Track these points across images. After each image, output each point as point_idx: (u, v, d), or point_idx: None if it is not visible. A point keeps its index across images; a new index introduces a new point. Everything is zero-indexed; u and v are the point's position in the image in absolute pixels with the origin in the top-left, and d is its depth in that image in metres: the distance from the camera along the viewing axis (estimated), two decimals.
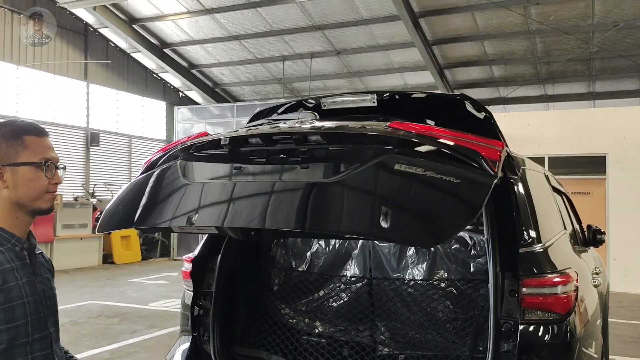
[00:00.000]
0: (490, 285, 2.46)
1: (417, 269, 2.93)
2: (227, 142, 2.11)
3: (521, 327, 2.36)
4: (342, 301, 3.09)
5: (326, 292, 3.15)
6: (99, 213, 14.60)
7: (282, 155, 1.99)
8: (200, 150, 2.19)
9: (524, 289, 2.38)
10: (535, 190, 2.86)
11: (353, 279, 3.07)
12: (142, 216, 2.06)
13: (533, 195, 2.77)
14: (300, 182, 1.90)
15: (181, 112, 19.35)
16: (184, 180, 2.08)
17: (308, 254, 3.24)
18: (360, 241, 3.06)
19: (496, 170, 1.89)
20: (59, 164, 1.68)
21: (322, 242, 3.20)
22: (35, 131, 1.66)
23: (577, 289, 2.49)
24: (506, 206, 2.63)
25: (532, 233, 2.56)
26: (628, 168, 11.15)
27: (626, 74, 15.69)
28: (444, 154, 1.90)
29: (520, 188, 2.71)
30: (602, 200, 11.45)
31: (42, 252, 1.78)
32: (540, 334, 2.35)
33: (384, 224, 1.65)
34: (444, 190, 1.77)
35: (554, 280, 2.42)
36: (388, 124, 2.01)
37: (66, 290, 9.99)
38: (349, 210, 1.79)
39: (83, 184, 16.32)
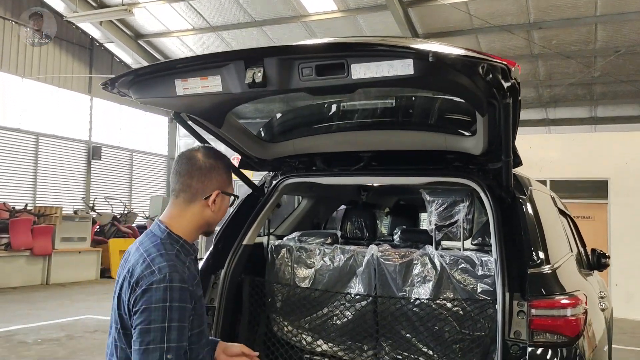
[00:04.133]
0: (498, 306, 2.42)
1: (423, 288, 2.89)
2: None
3: (529, 349, 2.32)
4: (346, 319, 3.04)
5: (330, 309, 3.10)
6: (98, 227, 14.60)
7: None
8: None
9: (532, 311, 2.34)
10: (542, 211, 2.84)
11: (357, 296, 3.03)
12: None
13: (541, 216, 2.75)
14: None
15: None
16: None
17: (312, 270, 3.20)
18: (366, 258, 3.03)
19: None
20: None
21: (326, 259, 3.17)
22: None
23: (586, 312, 2.46)
24: (515, 226, 2.61)
25: (541, 254, 2.54)
26: (630, 193, 11.13)
27: (627, 99, 15.76)
28: None
29: (528, 208, 2.69)
30: (604, 225, 11.40)
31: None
32: (548, 356, 2.31)
33: None
34: None
35: (563, 302, 2.39)
36: None
37: (63, 304, 9.94)
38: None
39: (83, 198, 16.28)
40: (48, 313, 9.00)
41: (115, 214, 15.55)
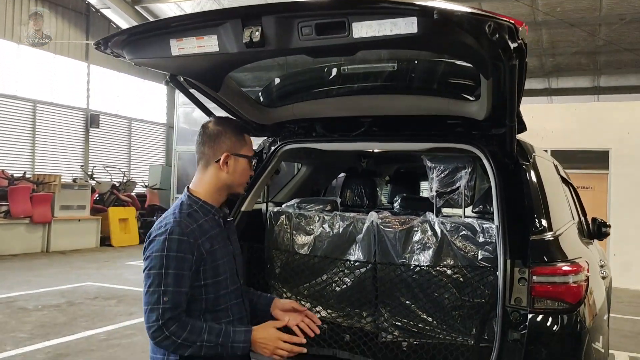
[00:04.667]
0: (499, 273, 2.40)
1: (423, 255, 2.86)
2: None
3: (530, 316, 2.30)
4: (345, 286, 3.02)
5: (329, 276, 3.08)
6: (97, 195, 14.59)
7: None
8: None
9: (534, 277, 2.32)
10: (545, 178, 2.80)
11: (357, 263, 3.01)
12: None
13: (544, 183, 2.71)
14: None
15: (182, 95, 19.15)
16: None
17: (311, 237, 3.17)
18: (366, 225, 3.00)
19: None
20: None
21: (326, 226, 3.13)
22: (250, 132, 2.17)
23: (587, 279, 2.43)
24: (517, 193, 2.57)
25: (543, 221, 2.50)
26: (631, 163, 11.07)
27: (631, 69, 15.61)
28: None
29: (531, 175, 2.64)
30: (604, 196, 11.39)
31: (231, 219, 2.21)
32: (549, 323, 2.30)
33: None
34: None
35: (565, 269, 2.36)
36: None
37: (63, 271, 9.99)
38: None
39: (82, 166, 16.23)
40: (48, 280, 9.06)
41: (115, 183, 15.51)
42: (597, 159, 11.47)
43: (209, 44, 2.05)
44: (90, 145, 16.88)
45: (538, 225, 2.46)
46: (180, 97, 19.11)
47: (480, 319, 2.65)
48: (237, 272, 2.06)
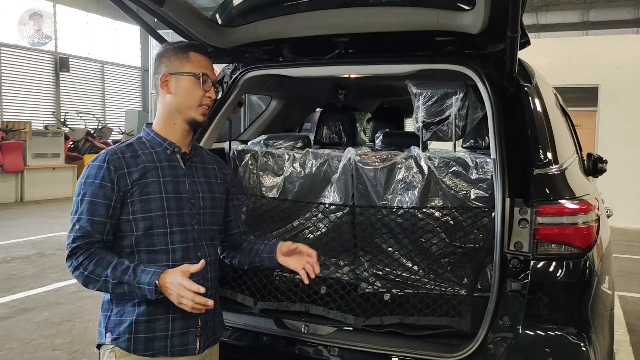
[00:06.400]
0: (497, 214, 2.05)
1: (408, 195, 2.49)
2: None
3: (532, 262, 1.97)
4: (319, 232, 2.66)
5: (301, 222, 2.71)
6: (71, 142, 14.14)
7: None
8: None
9: (538, 218, 1.97)
10: (549, 104, 2.42)
11: (333, 207, 2.64)
12: None
13: (548, 109, 2.33)
14: None
15: None
16: None
17: (280, 178, 2.79)
18: (342, 163, 2.61)
19: None
20: (216, 84, 1.87)
21: (297, 165, 2.74)
22: (200, 49, 1.87)
23: (598, 219, 2.10)
24: (518, 120, 2.19)
25: (549, 153, 2.13)
26: (620, 100, 10.77)
27: (621, 2, 15.05)
28: None
29: (535, 99, 2.26)
30: (592, 133, 11.13)
31: (215, 161, 2.01)
32: (555, 271, 1.97)
33: None
34: None
35: (574, 207, 2.02)
36: None
37: (36, 221, 9.75)
38: None
39: (54, 112, 15.71)
40: (19, 230, 8.81)
41: (89, 129, 15.18)
42: (586, 96, 11.15)
43: None
44: (61, 90, 16.29)
45: (542, 157, 2.10)
46: (153, 39, 18.33)
47: (474, 267, 2.32)
48: (189, 214, 1.83)
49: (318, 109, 4.32)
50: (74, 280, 5.97)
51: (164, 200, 1.78)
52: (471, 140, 2.87)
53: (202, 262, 1.73)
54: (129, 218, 1.75)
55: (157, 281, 1.65)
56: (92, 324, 4.66)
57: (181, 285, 1.63)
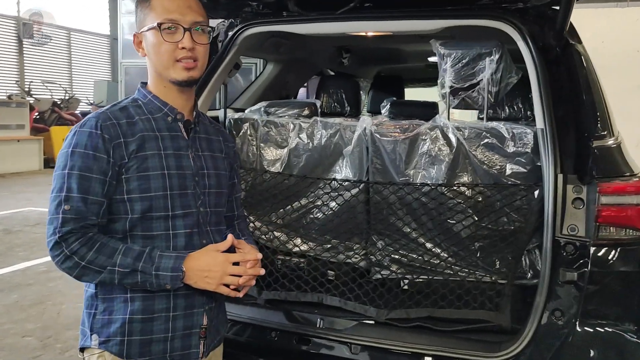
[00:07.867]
0: (547, 193, 1.77)
1: (433, 170, 2.20)
2: None
3: (593, 249, 1.71)
4: (329, 212, 2.36)
5: (309, 200, 2.40)
6: (37, 113, 13.58)
7: None
8: None
9: (603, 198, 1.70)
10: (596, 67, 2.14)
11: (345, 183, 2.33)
12: None
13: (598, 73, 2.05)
14: None
15: (125, 3, 17.58)
16: None
17: (285, 150, 2.46)
18: (356, 134, 2.30)
19: None
20: (194, 26, 1.50)
21: (303, 136, 2.42)
22: None
23: None
24: (570, 84, 1.90)
25: (606, 122, 1.86)
26: (605, 75, 10.53)
27: None
28: None
29: (587, 60, 1.97)
30: None
31: (219, 132, 1.73)
32: (619, 259, 1.71)
33: None
34: None
35: (638, 185, 1.75)
36: None
37: (1, 196, 9.35)
38: None
39: (17, 82, 15.05)
40: None
41: (56, 100, 14.60)
42: None
43: None
44: (25, 58, 15.52)
45: (600, 127, 1.82)
46: (123, 5, 17.52)
47: (513, 254, 2.04)
48: (193, 195, 1.55)
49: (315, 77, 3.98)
50: (44, 259, 5.60)
51: (165, 178, 1.50)
52: (504, 109, 2.58)
53: (230, 236, 1.54)
54: (123, 198, 1.47)
55: (183, 267, 1.43)
56: (65, 306, 4.40)
57: (226, 262, 1.46)
